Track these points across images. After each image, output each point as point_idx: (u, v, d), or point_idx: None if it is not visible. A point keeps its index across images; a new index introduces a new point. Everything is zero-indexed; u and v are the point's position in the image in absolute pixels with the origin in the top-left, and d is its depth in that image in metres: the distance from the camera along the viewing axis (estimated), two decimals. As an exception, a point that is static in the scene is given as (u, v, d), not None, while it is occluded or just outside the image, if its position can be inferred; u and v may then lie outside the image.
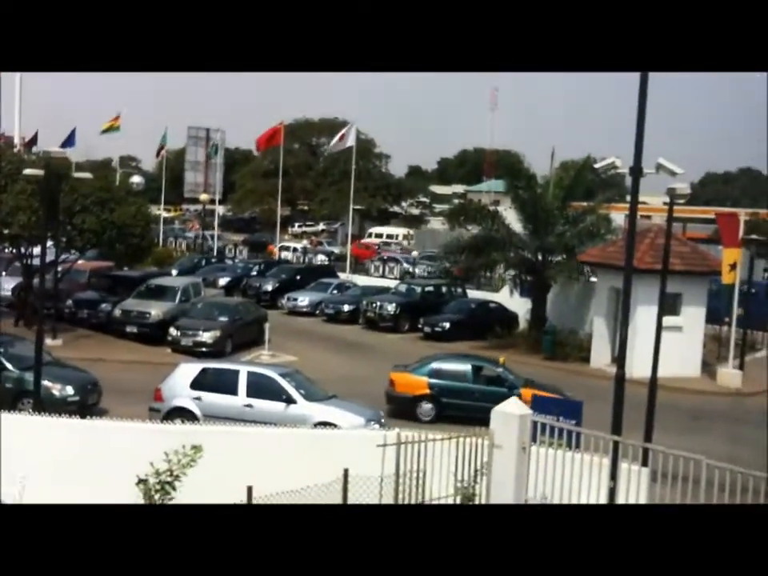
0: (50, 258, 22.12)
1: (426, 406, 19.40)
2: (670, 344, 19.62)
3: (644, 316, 21.75)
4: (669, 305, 22.08)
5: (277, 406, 16.46)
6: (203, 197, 53.87)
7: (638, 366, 19.08)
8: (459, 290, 34.87)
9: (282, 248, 50.80)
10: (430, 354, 28.34)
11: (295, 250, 50.33)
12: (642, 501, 9.79)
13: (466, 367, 20.17)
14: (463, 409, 18.31)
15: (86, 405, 17.86)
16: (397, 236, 61.58)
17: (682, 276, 24.78)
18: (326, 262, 46.88)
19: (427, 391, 19.39)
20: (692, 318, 26.02)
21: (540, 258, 29.43)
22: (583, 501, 9.35)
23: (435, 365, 20.20)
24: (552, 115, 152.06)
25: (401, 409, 19.07)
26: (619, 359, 13.62)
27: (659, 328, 15.37)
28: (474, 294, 34.81)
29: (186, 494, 8.73)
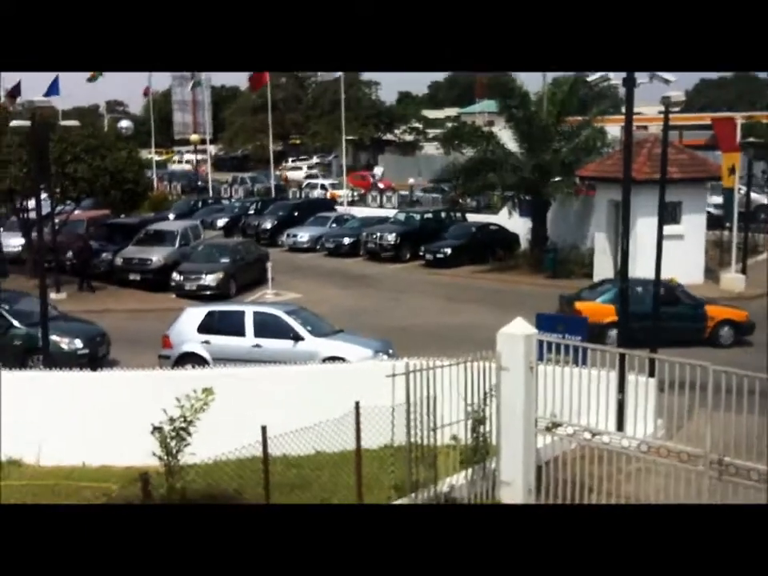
0: (45, 210, 21.98)
1: (614, 333, 19.14)
2: (672, 253, 19.55)
3: (645, 227, 21.65)
4: (669, 214, 21.98)
5: (285, 344, 16.56)
6: (194, 137, 53.25)
7: (641, 276, 19.09)
8: (458, 214, 34.73)
9: (310, 186, 49.66)
10: (428, 280, 28.53)
11: (323, 187, 48.52)
12: (651, 411, 9.92)
13: (651, 290, 20.14)
14: (652, 332, 18.22)
15: (96, 357, 17.95)
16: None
17: (682, 184, 24.63)
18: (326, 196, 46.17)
19: (615, 318, 19.09)
20: (693, 225, 25.96)
21: (537, 176, 29.19)
22: (593, 416, 9.47)
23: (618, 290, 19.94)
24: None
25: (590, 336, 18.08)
26: (622, 272, 13.64)
27: (660, 238, 15.31)
28: (473, 217, 34.67)
29: (202, 438, 8.86)
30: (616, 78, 13.77)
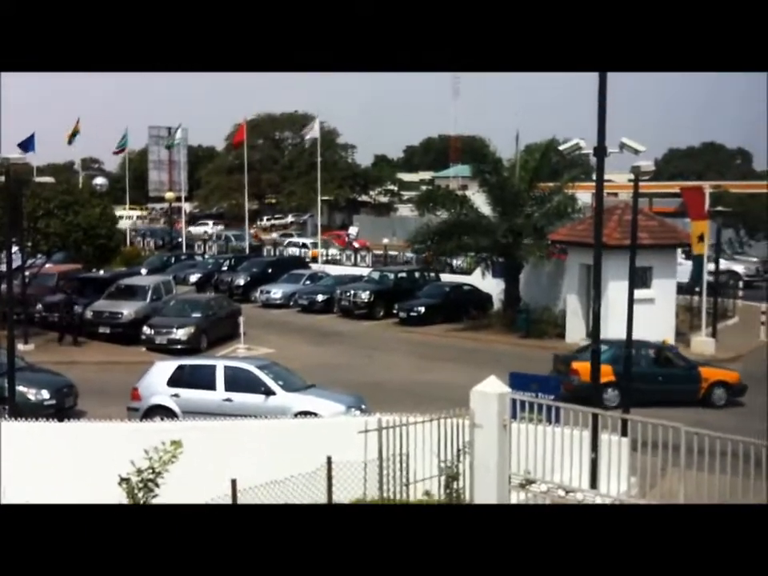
0: (16, 263, 21.78)
1: (612, 392, 19.41)
2: (643, 316, 19.82)
3: (616, 290, 21.95)
4: (640, 278, 22.31)
5: (256, 399, 16.41)
6: (169, 195, 53.40)
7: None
8: (432, 274, 34.98)
9: (291, 244, 49.23)
10: (402, 337, 28.55)
11: (304, 246, 48.06)
12: (624, 470, 9.90)
13: (647, 352, 20.50)
14: (647, 393, 18.37)
15: (63, 408, 17.63)
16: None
17: (652, 249, 25.10)
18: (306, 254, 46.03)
19: (613, 378, 19.25)
20: (663, 289, 26.34)
21: (510, 239, 29.58)
22: (566, 474, 9.43)
23: (615, 351, 19.98)
24: (514, 100, 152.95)
25: (584, 396, 18.10)
26: (593, 334, 13.75)
27: (631, 301, 15.51)
28: (446, 277, 34.94)
29: (171, 490, 8.67)
30: (587, 147, 14.10)
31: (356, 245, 50.18)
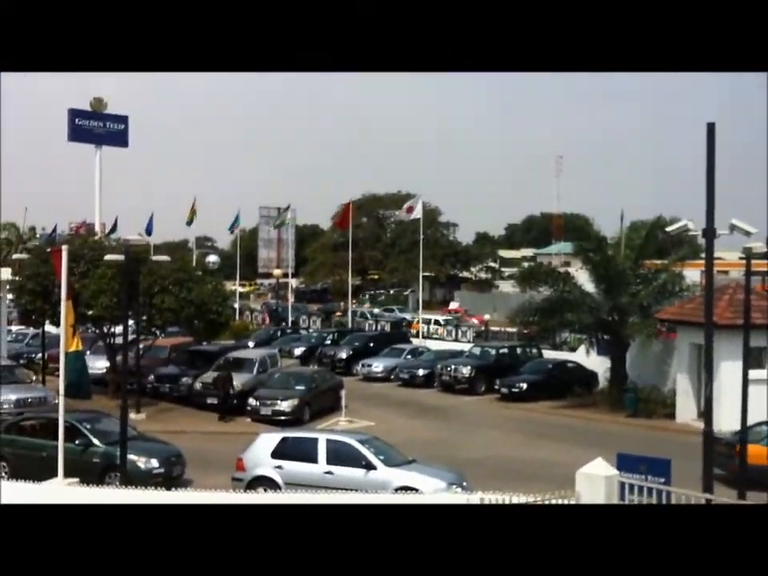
0: (131, 337, 22.78)
1: None
2: (758, 397, 18.95)
3: (728, 371, 21.15)
4: (753, 359, 21.40)
5: (357, 473, 16.43)
6: (277, 272, 55.11)
7: (725, 421, 18.46)
8: (534, 350, 34.54)
9: (424, 321, 47.40)
10: (504, 414, 28.09)
11: (437, 322, 46.76)
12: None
13: None
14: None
15: (171, 477, 18.08)
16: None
17: (766, 329, 24.07)
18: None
19: None
20: (779, 371, 25.11)
21: (615, 317, 29.03)
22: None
23: None
24: (617, 179, 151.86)
25: (756, 481, 16.72)
26: (706, 416, 13.28)
27: (745, 382, 14.94)
28: (550, 354, 34.42)
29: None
30: (695, 228, 13.79)
31: (475, 321, 50.16)
